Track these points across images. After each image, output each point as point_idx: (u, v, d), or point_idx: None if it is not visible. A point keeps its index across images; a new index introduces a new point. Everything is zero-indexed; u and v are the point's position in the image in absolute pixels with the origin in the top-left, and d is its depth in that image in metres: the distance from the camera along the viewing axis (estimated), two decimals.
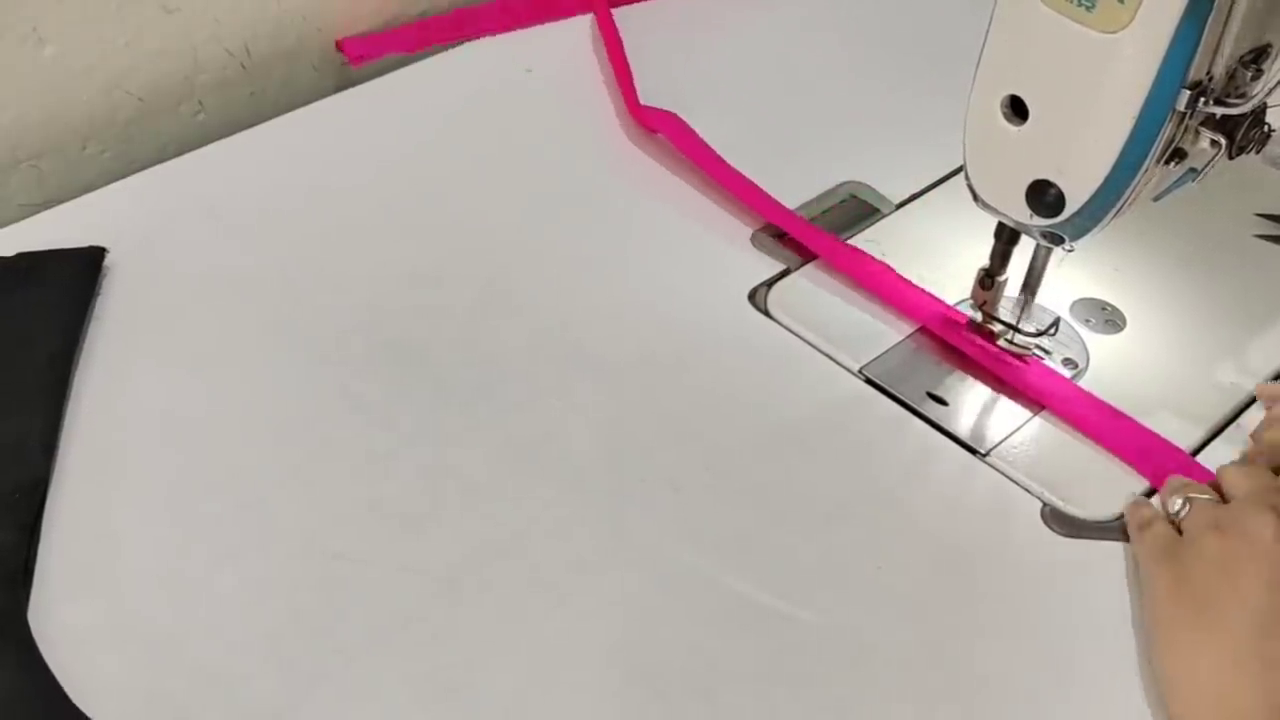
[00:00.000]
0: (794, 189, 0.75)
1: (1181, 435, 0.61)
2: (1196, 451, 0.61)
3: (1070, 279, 0.68)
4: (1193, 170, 0.55)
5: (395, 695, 0.50)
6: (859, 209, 0.75)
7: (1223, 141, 0.52)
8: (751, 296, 0.69)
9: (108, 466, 0.58)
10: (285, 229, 0.72)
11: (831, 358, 0.65)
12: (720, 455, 0.60)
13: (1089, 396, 0.62)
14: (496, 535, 0.56)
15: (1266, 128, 0.54)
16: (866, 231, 0.73)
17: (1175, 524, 0.54)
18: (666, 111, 0.78)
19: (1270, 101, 0.52)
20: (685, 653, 0.52)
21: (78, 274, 0.66)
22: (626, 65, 0.83)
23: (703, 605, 0.54)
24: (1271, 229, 0.73)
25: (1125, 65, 0.50)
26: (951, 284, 0.69)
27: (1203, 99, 0.50)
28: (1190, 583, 0.49)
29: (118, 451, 0.59)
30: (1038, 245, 0.61)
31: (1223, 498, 0.55)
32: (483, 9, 0.88)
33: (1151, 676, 0.50)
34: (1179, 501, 0.54)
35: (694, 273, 0.70)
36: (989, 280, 0.64)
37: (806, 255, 0.70)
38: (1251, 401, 0.63)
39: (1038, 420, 0.62)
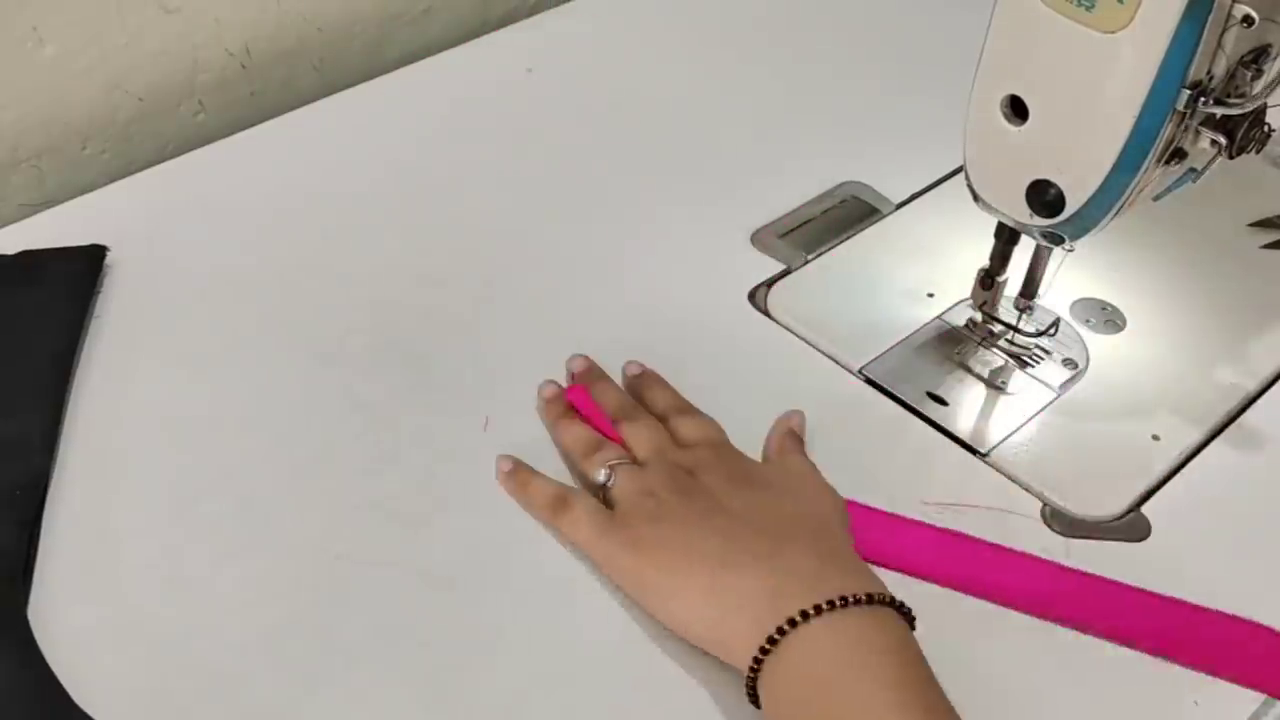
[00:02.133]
0: (794, 189, 0.75)
1: (1181, 435, 0.61)
2: (1195, 452, 0.61)
3: (1070, 279, 0.68)
4: (1193, 170, 0.55)
5: (396, 695, 0.50)
6: (859, 209, 0.75)
7: (1223, 141, 0.52)
8: (751, 296, 0.69)
9: (108, 465, 0.58)
10: (285, 229, 0.72)
11: (831, 358, 0.65)
12: None
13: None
14: (498, 535, 0.56)
15: (1266, 128, 0.54)
16: (866, 231, 0.73)
17: (602, 494, 0.56)
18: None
19: (1270, 101, 0.52)
20: (686, 653, 0.52)
21: (79, 273, 0.66)
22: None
23: None
24: (1271, 235, 0.73)
25: (1125, 65, 0.50)
26: (952, 284, 0.69)
27: (1203, 99, 0.50)
28: (643, 541, 0.52)
29: (118, 450, 0.59)
30: (1038, 245, 0.61)
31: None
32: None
33: None
34: (604, 473, 0.56)
35: (694, 273, 0.70)
36: (989, 280, 0.64)
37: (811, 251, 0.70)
38: (1252, 401, 0.64)
39: (1038, 420, 0.62)
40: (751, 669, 0.48)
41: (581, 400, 0.60)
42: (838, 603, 0.47)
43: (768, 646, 0.47)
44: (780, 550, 0.50)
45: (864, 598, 0.48)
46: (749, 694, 0.48)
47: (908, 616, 0.49)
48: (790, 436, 0.59)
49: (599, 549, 0.54)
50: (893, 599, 0.49)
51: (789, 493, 0.55)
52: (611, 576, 0.54)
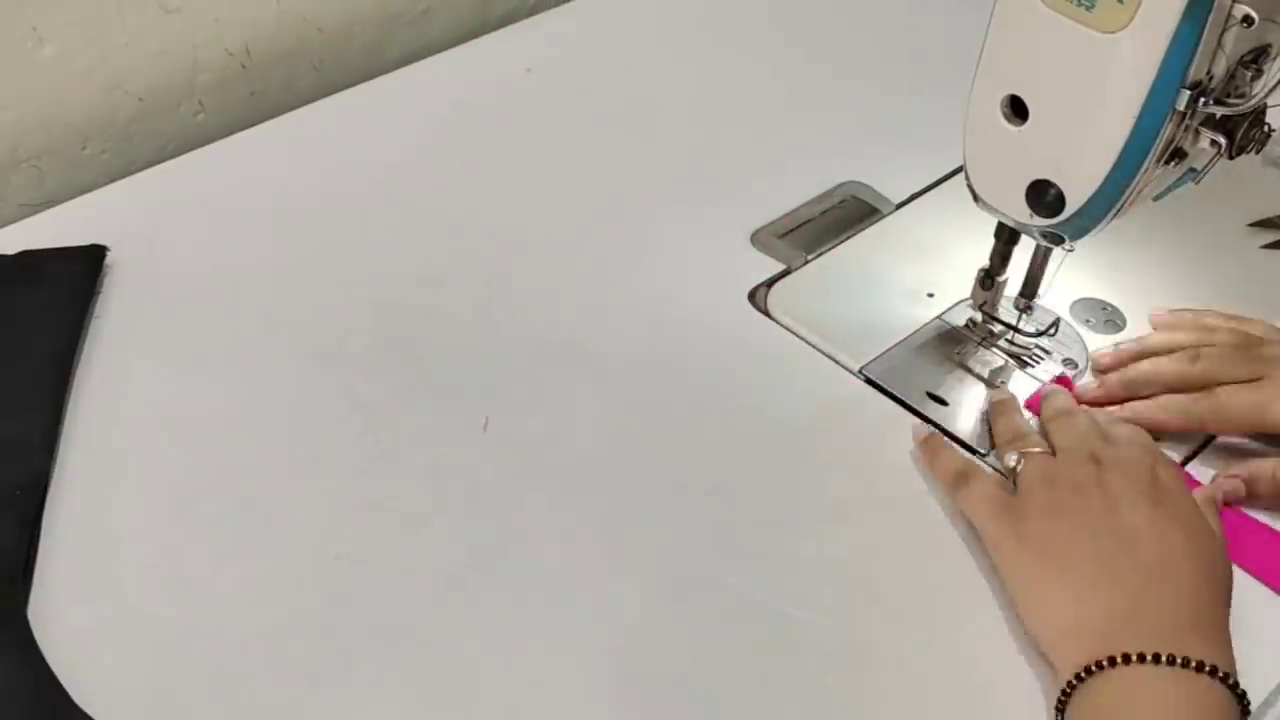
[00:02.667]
0: (794, 189, 0.75)
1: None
2: (1196, 452, 0.61)
3: (1070, 279, 0.68)
4: (1192, 170, 0.55)
5: (396, 695, 0.50)
6: (859, 209, 0.75)
7: (1223, 141, 0.52)
8: (751, 296, 0.69)
9: (108, 465, 0.58)
10: (285, 229, 0.72)
11: (831, 358, 0.65)
12: (720, 455, 0.60)
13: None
14: (498, 536, 0.56)
15: (1266, 128, 0.54)
16: (866, 231, 0.73)
17: (1012, 477, 0.57)
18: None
19: (1270, 101, 0.52)
20: (686, 652, 0.52)
21: (79, 273, 0.66)
22: None
23: (703, 605, 0.54)
24: (1271, 235, 0.73)
25: (1125, 65, 0.50)
26: (952, 284, 0.69)
27: (1203, 99, 0.50)
28: (1030, 536, 0.53)
29: (118, 450, 0.59)
30: (1038, 245, 0.61)
31: (1050, 444, 0.58)
32: None
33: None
34: (1014, 457, 0.57)
35: (694, 273, 0.70)
36: (989, 280, 0.64)
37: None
38: None
39: (1038, 420, 0.62)
40: (1066, 688, 0.48)
41: (1068, 385, 0.63)
42: (1179, 661, 0.46)
43: (1093, 669, 0.47)
44: (1150, 585, 0.50)
45: (1207, 669, 0.46)
46: (1057, 707, 0.49)
47: (1244, 704, 0.47)
48: (1215, 497, 0.56)
49: (989, 530, 0.55)
50: (1235, 683, 0.47)
51: (1187, 529, 0.52)
52: (993, 556, 0.55)
